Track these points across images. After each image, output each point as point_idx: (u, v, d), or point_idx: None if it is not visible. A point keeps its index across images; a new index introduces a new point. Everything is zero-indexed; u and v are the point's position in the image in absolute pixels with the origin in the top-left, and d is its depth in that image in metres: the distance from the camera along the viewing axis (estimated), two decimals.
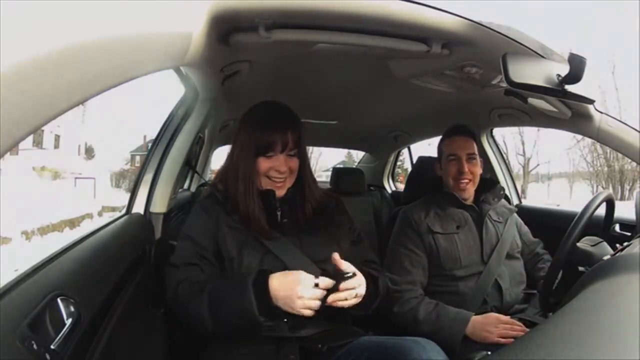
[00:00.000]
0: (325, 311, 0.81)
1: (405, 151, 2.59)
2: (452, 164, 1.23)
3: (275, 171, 0.92)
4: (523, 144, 16.22)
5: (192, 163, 1.40)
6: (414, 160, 1.86)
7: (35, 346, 0.46)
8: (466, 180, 1.20)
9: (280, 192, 0.93)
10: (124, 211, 1.08)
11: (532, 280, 1.24)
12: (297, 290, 0.77)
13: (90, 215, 9.90)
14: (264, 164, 0.91)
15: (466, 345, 1.04)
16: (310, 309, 0.78)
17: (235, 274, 0.87)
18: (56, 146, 16.63)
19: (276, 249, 0.89)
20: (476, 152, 1.23)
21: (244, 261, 0.88)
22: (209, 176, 2.28)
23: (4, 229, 6.83)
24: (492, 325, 1.04)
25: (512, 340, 1.00)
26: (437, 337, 1.00)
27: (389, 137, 2.23)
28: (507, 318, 1.06)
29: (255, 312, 0.77)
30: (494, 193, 1.25)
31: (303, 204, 0.95)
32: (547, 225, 1.41)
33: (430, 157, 1.55)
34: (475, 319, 1.06)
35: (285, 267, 0.88)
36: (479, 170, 1.23)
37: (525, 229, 1.33)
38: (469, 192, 1.22)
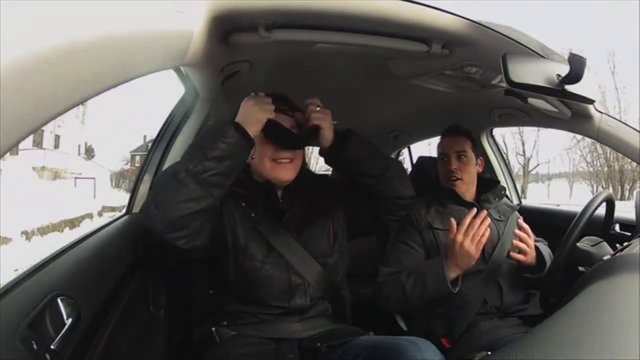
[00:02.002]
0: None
1: (405, 151, 2.59)
2: (443, 163, 1.25)
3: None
4: (523, 144, 16.23)
5: None
6: (414, 160, 1.86)
7: (35, 346, 0.46)
8: (454, 178, 1.21)
9: (287, 176, 0.91)
10: (124, 211, 1.08)
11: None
12: (249, 101, 0.84)
13: (90, 216, 9.91)
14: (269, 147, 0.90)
15: (466, 345, 1.04)
16: (267, 107, 0.84)
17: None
18: (56, 146, 16.62)
19: (279, 246, 0.91)
20: (467, 149, 1.23)
21: (249, 250, 0.89)
22: None
23: (4, 229, 6.83)
24: (465, 239, 1.02)
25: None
26: (427, 292, 1.04)
27: (389, 137, 2.22)
28: (469, 219, 1.03)
29: (230, 124, 0.81)
30: (494, 193, 1.25)
31: (304, 193, 0.96)
32: (547, 225, 1.41)
33: (430, 157, 1.55)
34: (450, 252, 1.05)
35: (287, 263, 0.90)
36: (471, 169, 1.23)
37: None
38: (460, 188, 1.22)
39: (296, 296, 0.90)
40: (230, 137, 0.79)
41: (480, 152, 1.50)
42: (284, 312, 0.90)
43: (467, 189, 1.23)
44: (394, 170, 0.96)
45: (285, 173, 0.91)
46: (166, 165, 1.11)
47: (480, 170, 1.28)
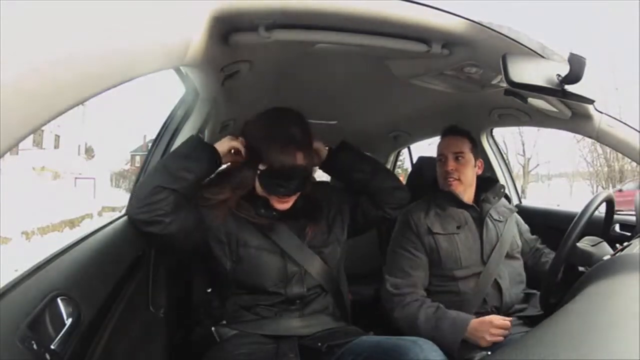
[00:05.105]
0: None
1: (405, 151, 2.59)
2: (440, 164, 1.25)
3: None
4: (523, 144, 16.19)
5: None
6: (414, 160, 1.86)
7: (35, 346, 0.46)
8: (451, 179, 1.21)
9: (285, 207, 0.93)
10: (123, 211, 1.08)
11: (537, 275, 1.23)
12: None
13: (90, 216, 9.90)
14: None
15: (466, 345, 1.04)
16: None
17: None
18: (56, 146, 16.61)
19: (273, 234, 0.93)
20: (465, 150, 1.22)
21: (243, 238, 0.92)
22: None
23: (4, 229, 6.82)
24: (486, 331, 1.01)
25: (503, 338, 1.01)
26: (436, 342, 1.00)
27: (389, 137, 2.22)
28: (502, 322, 1.03)
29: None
30: (494, 192, 1.25)
31: (301, 200, 0.96)
32: (547, 225, 1.41)
33: (430, 157, 1.55)
34: (472, 325, 1.03)
35: (282, 251, 0.93)
36: (468, 171, 1.22)
37: (525, 227, 1.33)
38: (457, 189, 1.22)
39: (293, 283, 0.92)
40: (202, 159, 0.89)
41: (481, 153, 1.50)
42: (281, 301, 0.91)
43: (465, 190, 1.23)
44: (383, 169, 1.10)
45: (283, 206, 0.93)
46: None
47: (480, 172, 1.27)
